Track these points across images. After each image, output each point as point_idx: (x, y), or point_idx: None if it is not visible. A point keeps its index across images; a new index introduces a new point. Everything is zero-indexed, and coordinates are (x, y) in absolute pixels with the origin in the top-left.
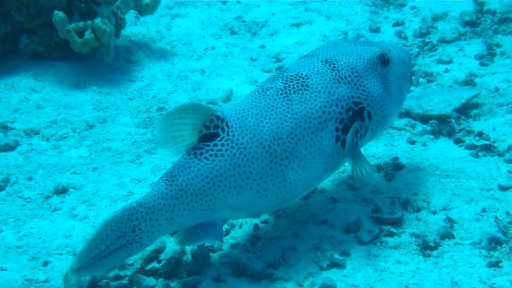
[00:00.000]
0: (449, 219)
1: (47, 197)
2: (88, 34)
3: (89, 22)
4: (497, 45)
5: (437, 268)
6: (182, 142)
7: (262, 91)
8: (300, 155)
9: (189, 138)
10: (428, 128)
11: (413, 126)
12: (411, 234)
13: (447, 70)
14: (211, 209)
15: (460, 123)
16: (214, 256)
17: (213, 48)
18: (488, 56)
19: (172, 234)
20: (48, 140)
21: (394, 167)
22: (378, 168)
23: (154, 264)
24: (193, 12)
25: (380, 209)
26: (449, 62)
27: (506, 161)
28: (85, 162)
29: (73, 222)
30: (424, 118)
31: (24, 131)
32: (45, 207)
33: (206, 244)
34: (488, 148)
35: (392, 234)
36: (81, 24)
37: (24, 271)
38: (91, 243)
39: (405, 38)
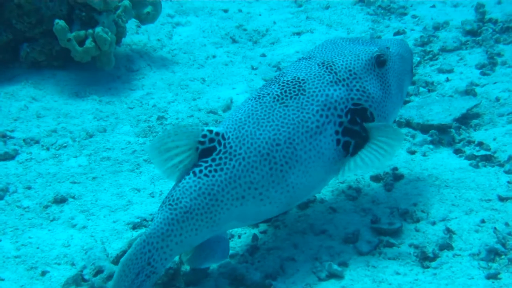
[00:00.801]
0: (448, 230)
1: (46, 207)
2: (88, 42)
3: (90, 30)
4: (498, 54)
5: (436, 280)
6: (181, 164)
7: (259, 98)
8: (300, 160)
9: (188, 158)
10: (428, 138)
11: (413, 136)
12: (410, 245)
13: (447, 80)
14: (217, 224)
15: (460, 133)
16: (212, 266)
17: (214, 56)
18: (489, 65)
19: None
20: (47, 149)
21: (393, 177)
22: (378, 178)
23: None
24: (194, 20)
25: (379, 219)
26: (450, 71)
27: (506, 172)
28: (85, 171)
29: (72, 231)
30: (424, 128)
31: (24, 140)
32: (44, 217)
33: (213, 264)
34: (488, 159)
35: (391, 245)
36: (82, 32)
37: (22, 281)
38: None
39: None
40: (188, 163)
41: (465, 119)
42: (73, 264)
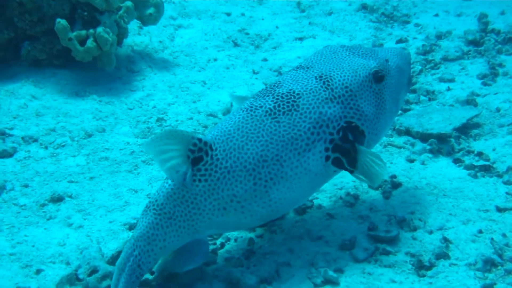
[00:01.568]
0: (445, 239)
1: (43, 205)
2: (90, 42)
3: (91, 30)
4: (500, 65)
5: None
6: (179, 167)
7: (251, 110)
8: (285, 176)
9: (183, 163)
10: (428, 147)
11: (413, 145)
12: (407, 253)
13: (449, 89)
14: (198, 231)
15: (460, 143)
16: (207, 269)
17: (215, 60)
18: (490, 76)
19: None
20: (46, 148)
21: (392, 185)
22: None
23: (147, 276)
24: (196, 23)
25: (377, 227)
26: (451, 80)
27: (505, 183)
28: (82, 171)
29: (68, 230)
30: (424, 137)
31: (23, 138)
32: (40, 215)
33: (193, 267)
34: (487, 169)
35: (387, 253)
36: (83, 32)
37: (16, 278)
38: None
39: None
40: (185, 169)
41: (465, 129)
42: (68, 263)
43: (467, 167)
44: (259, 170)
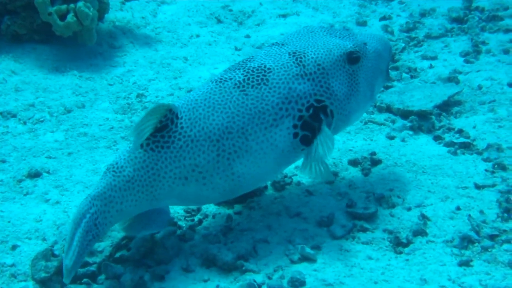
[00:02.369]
0: (423, 216)
1: (20, 181)
2: (70, 17)
3: (72, 5)
4: (483, 42)
5: (408, 265)
6: (140, 138)
7: (220, 82)
8: (250, 150)
9: (148, 135)
10: (408, 124)
11: (393, 122)
12: (384, 230)
13: (431, 66)
14: (157, 199)
15: (440, 120)
16: (184, 245)
17: (197, 36)
18: (473, 53)
19: None
20: (24, 123)
21: (371, 162)
22: (355, 162)
23: (124, 252)
24: None
25: (355, 203)
26: (434, 58)
27: (484, 160)
28: (61, 146)
29: (45, 206)
30: (405, 114)
31: (1, 113)
32: (17, 191)
33: (150, 233)
34: (467, 146)
35: (365, 230)
36: (64, 7)
37: None
38: (71, 243)
39: (392, 33)
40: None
41: (446, 106)
42: (44, 239)
43: (447, 144)
44: (223, 142)
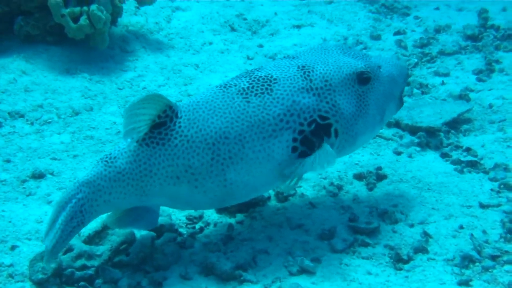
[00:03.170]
0: (425, 234)
1: (24, 181)
2: (83, 20)
3: (85, 8)
4: (497, 61)
5: (407, 282)
6: (138, 133)
7: (224, 87)
8: (245, 158)
9: (144, 128)
10: (416, 140)
11: (401, 137)
12: (385, 246)
13: (443, 83)
14: (146, 195)
15: (449, 137)
16: (184, 253)
17: (210, 43)
18: (486, 71)
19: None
20: (32, 124)
21: (376, 177)
22: (361, 176)
23: (122, 257)
24: (194, 6)
25: (358, 218)
26: (446, 75)
27: (491, 179)
28: (66, 148)
29: (47, 208)
30: (413, 130)
31: (9, 113)
32: (20, 191)
33: (136, 230)
34: (473, 165)
35: (366, 244)
36: (77, 9)
37: None
38: (53, 226)
39: (405, 48)
40: (142, 131)
41: (456, 124)
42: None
43: (454, 162)
44: (219, 146)
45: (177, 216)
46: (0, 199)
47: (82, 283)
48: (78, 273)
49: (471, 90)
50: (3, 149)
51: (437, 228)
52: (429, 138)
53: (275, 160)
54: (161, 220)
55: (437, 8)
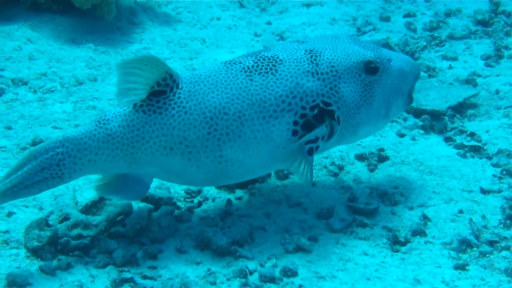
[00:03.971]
0: (424, 217)
1: (23, 149)
2: None
3: None
4: (506, 47)
5: (403, 264)
6: (134, 95)
7: (229, 64)
8: (243, 136)
9: (141, 92)
10: (420, 123)
11: (405, 119)
12: (383, 227)
13: (450, 67)
14: (136, 162)
15: (453, 122)
16: (181, 226)
17: (218, 19)
18: (494, 57)
19: None
20: (35, 91)
21: (378, 158)
22: (362, 157)
23: (119, 228)
24: None
25: (357, 198)
26: (454, 59)
27: (493, 165)
28: (68, 118)
29: None
30: (417, 112)
31: (12, 80)
32: (19, 158)
33: (122, 200)
34: (477, 150)
35: (364, 225)
36: None
37: None
38: (16, 171)
39: (414, 31)
40: (139, 94)
41: (461, 108)
42: (41, 209)
43: (457, 146)
44: (217, 121)
45: (176, 189)
46: None
47: (77, 252)
48: (73, 242)
49: (479, 75)
50: (5, 115)
51: (437, 212)
52: (433, 121)
53: (274, 142)
54: (160, 193)
55: None
